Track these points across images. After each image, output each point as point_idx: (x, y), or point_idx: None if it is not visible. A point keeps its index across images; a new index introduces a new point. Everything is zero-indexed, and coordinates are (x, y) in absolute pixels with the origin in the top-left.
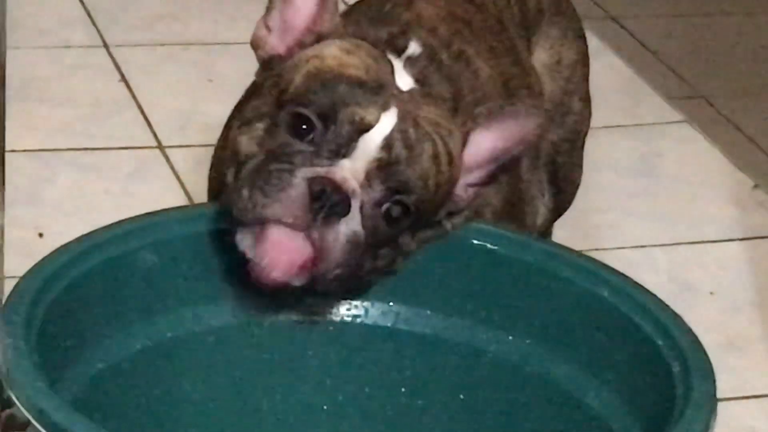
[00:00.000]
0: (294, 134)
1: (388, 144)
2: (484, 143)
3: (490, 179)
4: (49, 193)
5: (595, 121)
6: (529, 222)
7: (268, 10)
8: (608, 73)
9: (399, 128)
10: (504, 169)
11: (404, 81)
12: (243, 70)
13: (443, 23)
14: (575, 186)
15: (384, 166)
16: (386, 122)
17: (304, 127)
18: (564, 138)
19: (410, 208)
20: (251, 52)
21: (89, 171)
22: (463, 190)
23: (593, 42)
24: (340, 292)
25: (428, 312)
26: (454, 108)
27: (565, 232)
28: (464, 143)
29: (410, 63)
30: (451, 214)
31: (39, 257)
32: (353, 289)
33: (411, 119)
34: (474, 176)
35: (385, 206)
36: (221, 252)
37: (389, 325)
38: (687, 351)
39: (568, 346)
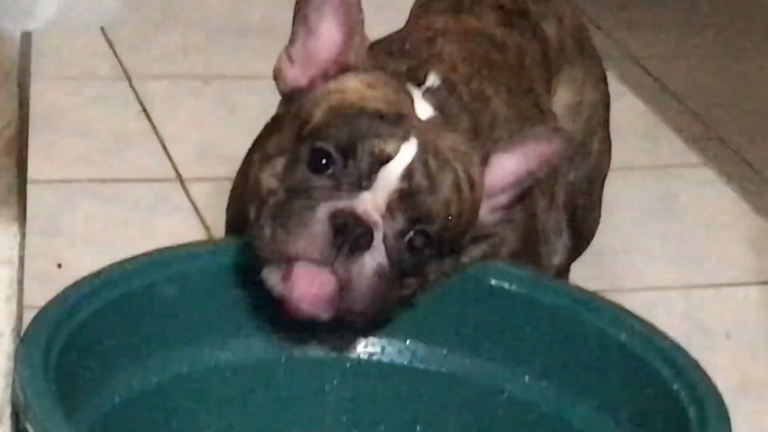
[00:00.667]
0: (314, 169)
1: (408, 174)
2: (508, 166)
3: (515, 202)
4: (68, 224)
5: (613, 162)
6: (546, 262)
7: (291, 41)
8: (628, 113)
9: (419, 158)
10: (529, 191)
11: (424, 110)
12: (264, 104)
13: (464, 62)
14: (594, 227)
15: (405, 197)
16: (406, 153)
17: (324, 161)
18: (583, 178)
19: (433, 237)
20: (272, 86)
21: (109, 202)
22: (488, 213)
23: (613, 82)
24: (369, 325)
25: (444, 351)
26: (474, 136)
27: (582, 273)
28: (485, 165)
29: (430, 93)
30: (475, 240)
31: (58, 288)
32: (378, 322)
33: (431, 148)
34: (499, 200)
35: (408, 236)
36: (240, 287)
37: (405, 363)
38: (703, 395)
39: (584, 387)
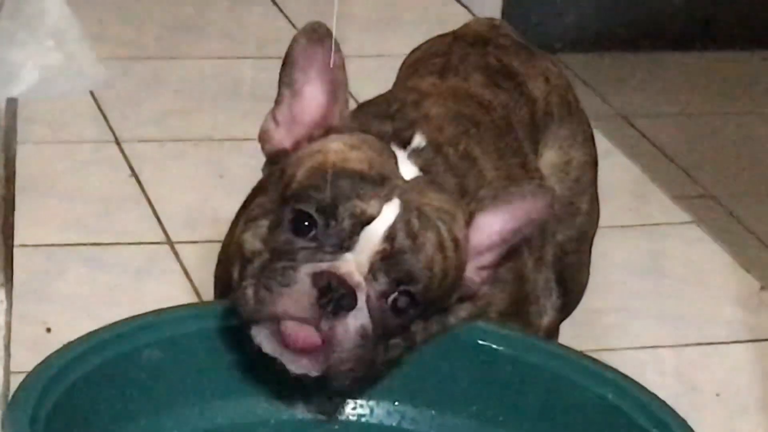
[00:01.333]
0: (296, 232)
1: (390, 235)
2: (493, 225)
3: (502, 261)
4: (57, 288)
5: (602, 221)
6: (535, 322)
7: (277, 103)
8: (616, 171)
9: (402, 218)
10: (515, 250)
11: (409, 170)
12: (253, 167)
13: (451, 123)
14: (582, 286)
15: (388, 258)
16: (388, 213)
17: (306, 223)
18: (572, 238)
19: (417, 297)
20: (261, 152)
21: (98, 266)
22: (474, 273)
23: (601, 141)
24: (356, 387)
25: (433, 412)
26: (460, 197)
27: (571, 332)
28: (469, 224)
29: (415, 154)
30: (462, 300)
31: (47, 353)
32: (365, 383)
33: (414, 209)
34: (485, 258)
35: (391, 297)
36: (227, 350)
37: (394, 424)
38: None
39: None
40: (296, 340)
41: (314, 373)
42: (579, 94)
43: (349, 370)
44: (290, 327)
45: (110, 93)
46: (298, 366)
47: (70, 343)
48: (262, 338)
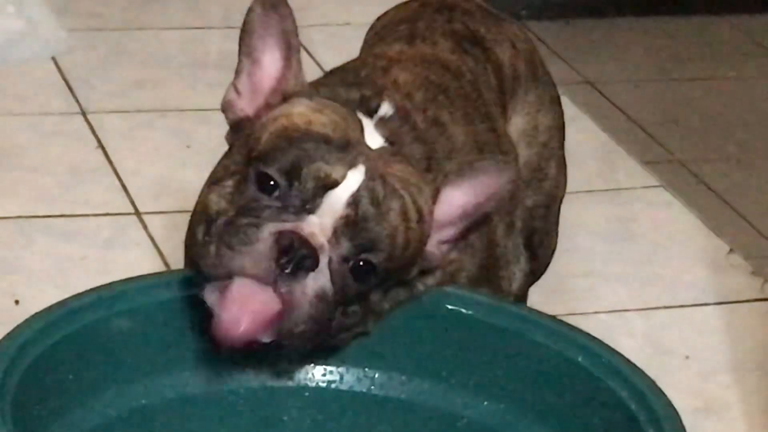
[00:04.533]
0: (261, 190)
1: (354, 201)
2: (456, 199)
3: (463, 235)
4: (25, 260)
5: (570, 186)
6: (505, 287)
7: (237, 73)
8: (584, 137)
9: (366, 186)
10: (477, 225)
11: (374, 140)
12: (220, 137)
13: (419, 89)
14: (551, 251)
15: (351, 223)
16: (353, 179)
17: (271, 183)
18: (540, 203)
19: (378, 265)
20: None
21: (66, 238)
22: (435, 247)
23: (569, 107)
24: (307, 350)
25: (403, 377)
26: (427, 168)
27: (541, 297)
28: (435, 199)
29: (382, 123)
30: (424, 273)
31: (15, 325)
32: (322, 348)
33: (379, 177)
34: (446, 233)
35: (352, 263)
36: (195, 318)
37: (364, 390)
38: (661, 416)
39: (542, 410)
40: (248, 302)
41: (263, 339)
42: (546, 61)
43: (301, 333)
44: (243, 286)
45: (76, 64)
46: (247, 328)
47: (37, 314)
48: (214, 298)
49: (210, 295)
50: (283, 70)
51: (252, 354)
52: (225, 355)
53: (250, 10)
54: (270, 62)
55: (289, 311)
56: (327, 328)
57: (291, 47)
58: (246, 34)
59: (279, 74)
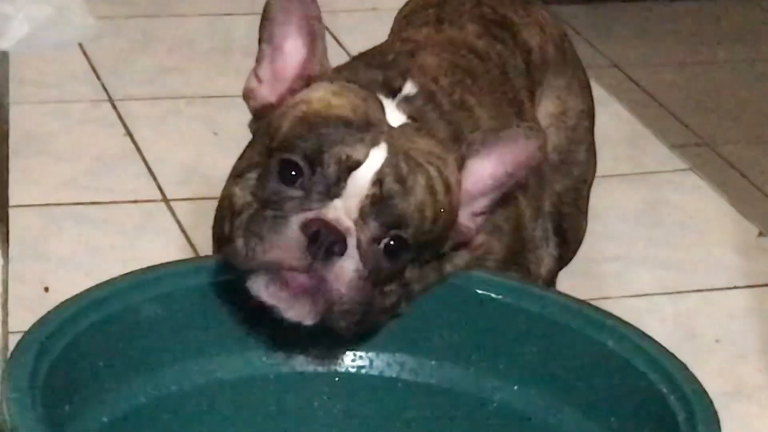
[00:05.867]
0: (284, 181)
1: (378, 179)
2: (485, 170)
3: (496, 206)
4: (54, 247)
5: (599, 170)
6: (534, 271)
7: (258, 60)
8: (613, 121)
9: (389, 163)
10: (508, 195)
11: (397, 118)
12: (247, 123)
13: (445, 73)
14: (580, 235)
15: (377, 202)
16: (375, 158)
17: (293, 173)
18: (569, 188)
19: (408, 241)
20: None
21: (94, 225)
22: (468, 219)
23: (598, 91)
24: (354, 332)
25: (433, 362)
26: (453, 144)
27: (570, 281)
28: (461, 169)
29: (405, 102)
30: (457, 247)
31: (44, 312)
32: (364, 329)
33: (402, 153)
34: (479, 204)
35: (383, 242)
36: (225, 304)
37: (394, 375)
38: (692, 399)
39: (573, 394)
40: (291, 287)
41: (310, 321)
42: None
43: (345, 313)
44: (284, 276)
45: (103, 51)
46: (295, 313)
47: (66, 301)
48: (259, 287)
49: (255, 287)
50: (307, 56)
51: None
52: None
53: None
54: (292, 49)
55: (328, 294)
56: (368, 308)
57: (315, 33)
58: (267, 21)
59: (302, 60)
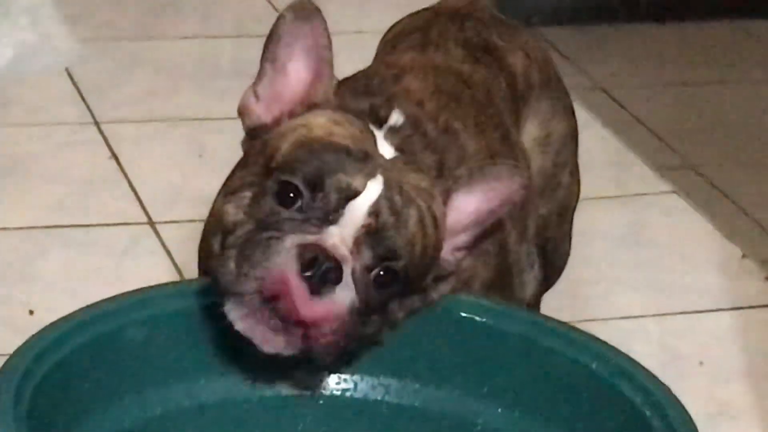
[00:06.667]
0: (281, 202)
1: (375, 210)
2: (468, 205)
3: (476, 242)
4: (39, 270)
5: (583, 192)
6: (518, 294)
7: (258, 77)
8: (596, 143)
9: (385, 195)
10: (490, 231)
11: (386, 150)
12: (233, 145)
13: (431, 98)
14: (565, 258)
15: (372, 233)
16: (373, 189)
17: (292, 195)
18: (553, 211)
19: (399, 273)
20: (242, 128)
21: (80, 248)
22: (449, 253)
23: (581, 113)
24: (332, 363)
25: (417, 385)
26: (438, 175)
27: (555, 304)
28: (446, 203)
29: (392, 133)
30: (437, 280)
31: (30, 335)
32: (344, 360)
33: (396, 186)
34: (460, 239)
35: (374, 272)
36: (210, 327)
37: (379, 398)
38: (676, 421)
39: (557, 417)
40: (275, 319)
41: (288, 352)
42: (558, 68)
43: (329, 345)
44: (269, 304)
45: (88, 74)
46: (268, 346)
47: (52, 324)
48: (236, 316)
49: (232, 311)
50: (312, 82)
51: (270, 364)
52: (249, 364)
53: (280, 17)
54: (295, 72)
55: (316, 326)
56: (351, 340)
57: (323, 60)
58: (272, 40)
59: (306, 85)
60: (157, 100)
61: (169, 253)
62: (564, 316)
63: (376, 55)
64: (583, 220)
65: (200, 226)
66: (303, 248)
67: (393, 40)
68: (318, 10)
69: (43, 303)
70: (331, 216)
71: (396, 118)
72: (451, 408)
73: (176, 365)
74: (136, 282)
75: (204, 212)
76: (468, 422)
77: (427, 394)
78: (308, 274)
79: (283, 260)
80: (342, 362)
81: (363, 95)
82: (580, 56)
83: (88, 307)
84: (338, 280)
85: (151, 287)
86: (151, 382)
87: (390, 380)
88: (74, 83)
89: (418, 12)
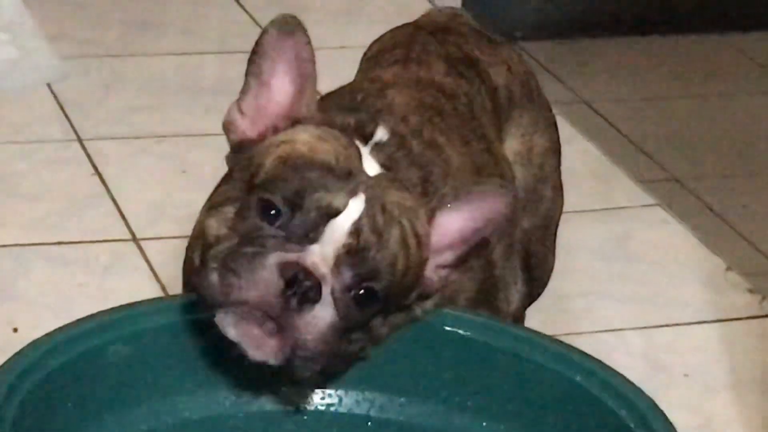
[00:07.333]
0: (264, 219)
1: (356, 230)
2: (453, 224)
3: (461, 261)
4: (23, 288)
5: (567, 206)
6: (503, 308)
7: (243, 93)
8: (580, 157)
9: (367, 214)
10: (475, 250)
11: (371, 167)
12: (217, 161)
13: (415, 112)
14: (548, 272)
15: (353, 252)
16: (354, 208)
17: (273, 212)
18: (537, 225)
19: (379, 293)
20: (225, 144)
21: (64, 265)
22: (433, 272)
23: (564, 127)
24: (315, 378)
25: (402, 399)
26: (424, 192)
27: (539, 317)
28: (431, 224)
29: (377, 149)
30: (421, 298)
31: (13, 353)
32: (327, 375)
33: (378, 205)
34: (444, 258)
35: (354, 292)
36: (193, 343)
37: (364, 413)
38: None
39: (541, 430)
40: (261, 331)
41: (275, 361)
42: (541, 81)
43: (309, 360)
44: (252, 315)
45: (71, 91)
46: (259, 353)
47: (35, 341)
48: (228, 323)
49: (224, 322)
50: (295, 97)
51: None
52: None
53: (264, 32)
54: (279, 87)
55: (296, 342)
56: (333, 356)
57: (306, 74)
58: (257, 55)
59: (290, 100)
60: (140, 117)
61: (153, 269)
62: (548, 330)
63: (359, 70)
64: (566, 233)
65: (184, 243)
66: (284, 266)
67: (376, 55)
68: (301, 25)
69: (26, 320)
70: (311, 234)
71: (381, 134)
72: (435, 422)
73: (160, 381)
74: (120, 299)
75: (188, 228)
76: None
77: (411, 408)
78: (289, 292)
79: (264, 277)
80: (326, 377)
81: (347, 110)
82: (562, 70)
83: (71, 323)
84: (317, 298)
85: (134, 303)
86: (135, 398)
87: (375, 395)
88: (57, 100)
89: (400, 27)
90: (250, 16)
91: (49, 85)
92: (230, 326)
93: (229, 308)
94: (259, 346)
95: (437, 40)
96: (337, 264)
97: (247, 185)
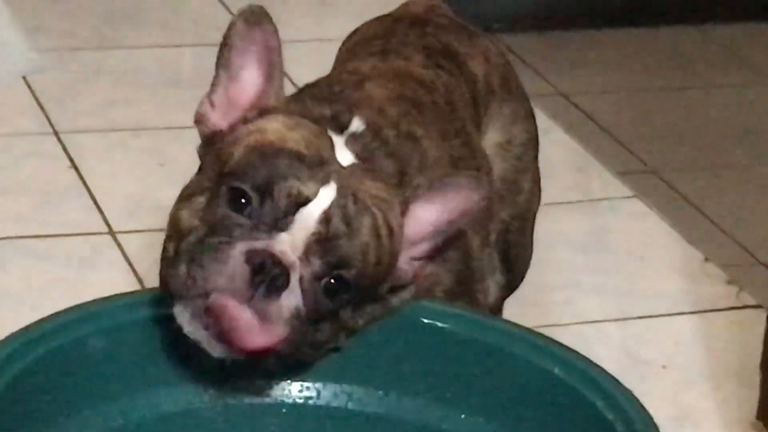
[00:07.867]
0: (233, 208)
1: (326, 218)
2: (427, 215)
3: (435, 252)
4: (0, 282)
5: (545, 198)
6: (481, 300)
7: (213, 86)
8: (558, 149)
9: (338, 203)
10: (449, 242)
11: (345, 157)
12: (194, 155)
13: (392, 104)
14: (526, 263)
15: (322, 241)
16: (324, 196)
17: (243, 201)
18: (515, 216)
19: (350, 282)
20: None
21: (40, 259)
22: (407, 263)
23: (542, 119)
24: (280, 367)
25: (380, 392)
26: (399, 184)
27: (517, 309)
28: (404, 215)
29: (352, 139)
30: (395, 289)
31: None
32: (294, 365)
33: (350, 194)
34: (418, 249)
35: (324, 280)
36: (171, 336)
37: (342, 405)
38: (639, 426)
39: (520, 422)
40: (224, 321)
41: (239, 356)
42: (519, 73)
43: (275, 351)
44: (219, 305)
45: (48, 84)
46: (217, 350)
47: (11, 335)
48: (184, 318)
49: (182, 314)
50: (263, 87)
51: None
52: (200, 369)
53: (232, 24)
54: (248, 78)
55: (262, 330)
56: (300, 346)
57: (273, 64)
58: (226, 47)
59: (258, 90)
60: (117, 110)
61: (130, 263)
62: (526, 321)
63: (336, 62)
64: (544, 225)
65: (161, 236)
66: (251, 254)
67: (353, 47)
68: (268, 16)
69: (3, 315)
70: (280, 222)
71: (357, 124)
72: (414, 415)
73: (137, 375)
74: (97, 293)
75: (165, 221)
76: (432, 428)
77: (390, 401)
78: (257, 280)
79: (232, 265)
80: (296, 368)
81: (325, 101)
82: (540, 62)
83: (48, 317)
84: (284, 286)
85: (110, 297)
86: (112, 392)
87: (353, 387)
88: (33, 93)
89: (378, 18)
90: (228, 10)
91: (25, 78)
92: (186, 322)
93: (189, 302)
94: (214, 344)
95: (415, 31)
96: (307, 252)
97: (217, 175)
